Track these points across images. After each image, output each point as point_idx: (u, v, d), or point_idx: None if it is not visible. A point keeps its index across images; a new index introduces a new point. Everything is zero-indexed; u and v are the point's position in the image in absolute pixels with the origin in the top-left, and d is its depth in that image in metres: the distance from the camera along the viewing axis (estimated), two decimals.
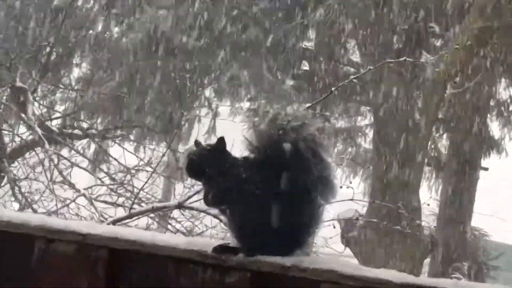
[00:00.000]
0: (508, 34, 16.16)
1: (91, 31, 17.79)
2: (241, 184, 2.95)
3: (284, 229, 2.93)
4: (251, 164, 3.01)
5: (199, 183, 3.10)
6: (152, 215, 10.85)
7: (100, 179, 13.80)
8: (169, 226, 11.88)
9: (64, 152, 14.18)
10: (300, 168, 2.95)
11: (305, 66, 18.16)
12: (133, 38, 16.26)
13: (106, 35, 17.95)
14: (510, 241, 21.97)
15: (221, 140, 3.06)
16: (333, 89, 8.74)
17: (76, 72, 18.15)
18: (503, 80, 18.30)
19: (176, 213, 11.62)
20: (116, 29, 17.90)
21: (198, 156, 3.05)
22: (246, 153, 3.06)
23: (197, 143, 3.10)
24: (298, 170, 2.95)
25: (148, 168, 12.97)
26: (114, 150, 15.50)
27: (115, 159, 14.61)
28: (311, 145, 2.97)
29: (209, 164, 3.02)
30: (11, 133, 13.88)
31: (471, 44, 15.08)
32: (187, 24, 16.30)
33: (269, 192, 2.93)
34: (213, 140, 3.10)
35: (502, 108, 18.69)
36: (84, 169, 14.24)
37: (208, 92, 18.37)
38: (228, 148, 3.07)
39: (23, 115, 13.05)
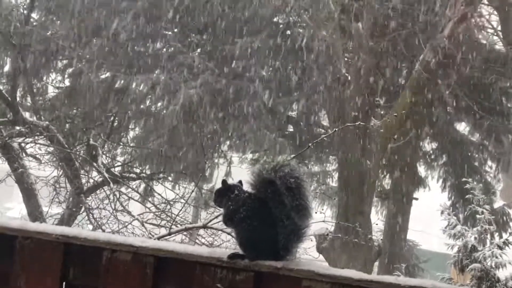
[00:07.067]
0: (429, 105, 16.30)
1: (142, 106, 17.93)
2: (234, 212, 2.98)
3: (274, 242, 2.91)
4: (249, 197, 3.00)
5: (219, 209, 3.19)
6: (185, 233, 10.80)
7: (148, 208, 13.72)
8: (196, 241, 11.81)
9: (123, 189, 14.14)
10: (277, 199, 2.91)
11: (290, 128, 18.26)
12: (171, 109, 16.35)
13: (152, 108, 18.08)
14: (435, 249, 21.87)
15: (223, 181, 3.11)
16: (310, 144, 8.73)
17: (131, 134, 18.26)
18: (428, 137, 18.39)
19: (201, 231, 11.59)
20: (159, 104, 18.03)
21: (217, 192, 3.11)
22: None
23: (223, 181, 3.13)
24: (275, 201, 2.92)
25: (182, 200, 12.91)
26: (158, 188, 15.45)
27: (159, 194, 14.53)
28: (285, 181, 2.90)
29: (222, 197, 3.07)
30: (86, 176, 13.88)
31: (405, 112, 15.16)
32: (209, 99, 16.42)
33: (255, 218, 2.92)
34: (230, 180, 3.15)
35: (427, 156, 18.74)
36: (137, 201, 14.18)
37: (224, 147, 18.47)
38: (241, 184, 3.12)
39: (94, 164, 13.10)
